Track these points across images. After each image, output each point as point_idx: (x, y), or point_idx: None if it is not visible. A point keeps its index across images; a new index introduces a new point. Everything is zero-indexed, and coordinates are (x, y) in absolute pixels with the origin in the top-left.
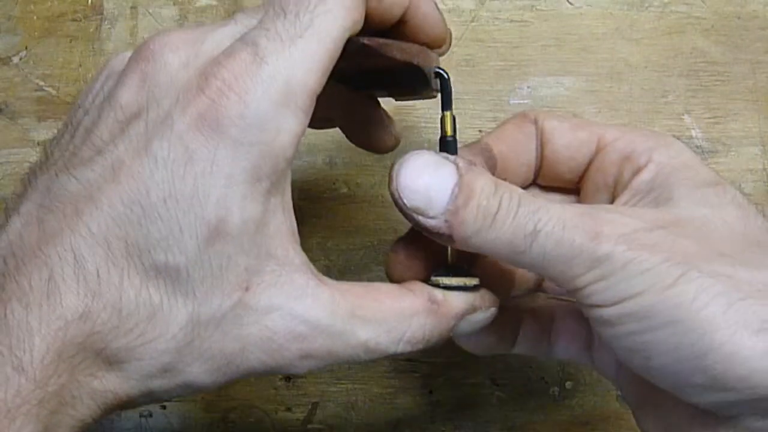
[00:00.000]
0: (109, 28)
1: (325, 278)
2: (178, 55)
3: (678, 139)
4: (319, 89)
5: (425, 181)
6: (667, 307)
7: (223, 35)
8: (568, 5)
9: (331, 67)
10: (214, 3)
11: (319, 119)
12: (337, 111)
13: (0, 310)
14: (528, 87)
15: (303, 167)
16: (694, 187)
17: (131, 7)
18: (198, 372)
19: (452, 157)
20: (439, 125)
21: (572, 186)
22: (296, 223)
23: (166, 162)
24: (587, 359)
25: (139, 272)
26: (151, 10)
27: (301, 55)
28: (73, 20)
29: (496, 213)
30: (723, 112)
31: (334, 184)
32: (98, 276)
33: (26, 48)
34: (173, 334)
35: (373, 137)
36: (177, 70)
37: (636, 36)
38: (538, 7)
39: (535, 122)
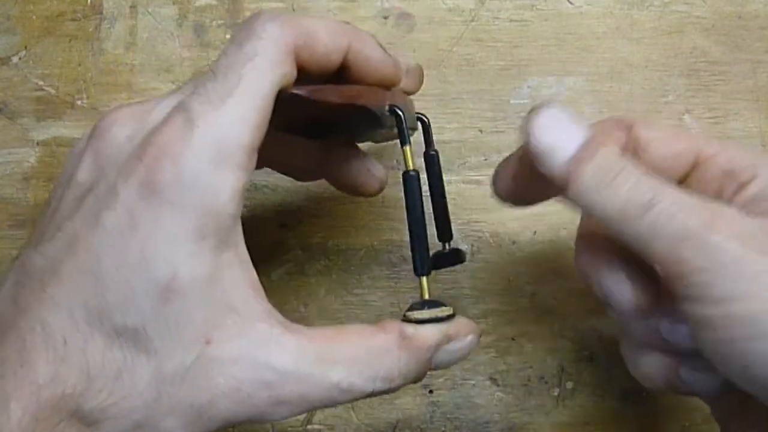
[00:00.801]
0: (109, 28)
1: (293, 324)
2: (124, 129)
3: None
4: (255, 144)
5: (559, 126)
6: None
7: (168, 105)
8: (569, 5)
9: (265, 122)
10: (214, 2)
11: (300, 172)
12: (313, 161)
13: None
14: (528, 86)
15: None
16: None
17: (131, 7)
18: (172, 426)
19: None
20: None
21: None
22: (294, 232)
23: (114, 230)
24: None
25: (102, 335)
26: (150, 10)
27: (230, 114)
28: (73, 20)
29: (617, 175)
30: (723, 111)
31: None
32: (65, 342)
33: (25, 48)
34: (140, 391)
35: (357, 182)
36: (123, 144)
37: (636, 35)
38: (538, 7)
39: (629, 129)
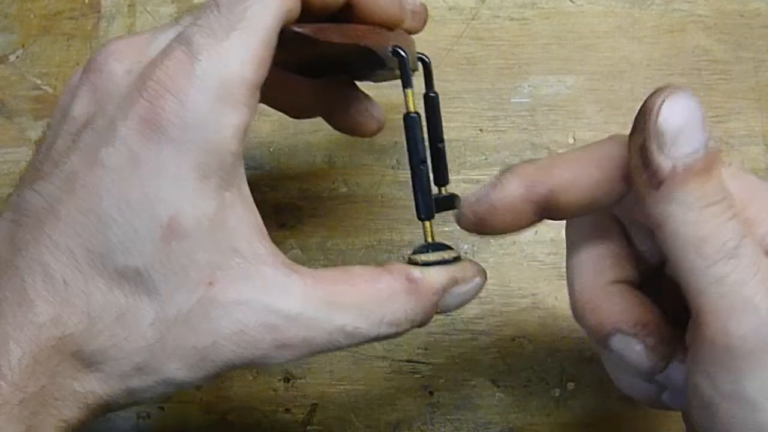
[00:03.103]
0: (107, 26)
1: (298, 266)
2: (122, 62)
3: None
4: (258, 80)
5: (689, 118)
6: None
7: (167, 37)
8: (570, 3)
9: (268, 58)
10: None
11: (294, 109)
12: (311, 99)
13: None
14: (529, 86)
15: (302, 167)
16: None
17: (129, 5)
18: (174, 369)
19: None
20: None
21: None
22: (294, 232)
23: (114, 168)
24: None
25: (103, 276)
26: (148, 8)
27: (234, 48)
28: (71, 18)
29: (716, 203)
30: (725, 110)
31: (333, 183)
32: (65, 283)
33: (23, 46)
34: (142, 333)
35: (355, 121)
36: (121, 77)
37: (638, 34)
38: (539, 5)
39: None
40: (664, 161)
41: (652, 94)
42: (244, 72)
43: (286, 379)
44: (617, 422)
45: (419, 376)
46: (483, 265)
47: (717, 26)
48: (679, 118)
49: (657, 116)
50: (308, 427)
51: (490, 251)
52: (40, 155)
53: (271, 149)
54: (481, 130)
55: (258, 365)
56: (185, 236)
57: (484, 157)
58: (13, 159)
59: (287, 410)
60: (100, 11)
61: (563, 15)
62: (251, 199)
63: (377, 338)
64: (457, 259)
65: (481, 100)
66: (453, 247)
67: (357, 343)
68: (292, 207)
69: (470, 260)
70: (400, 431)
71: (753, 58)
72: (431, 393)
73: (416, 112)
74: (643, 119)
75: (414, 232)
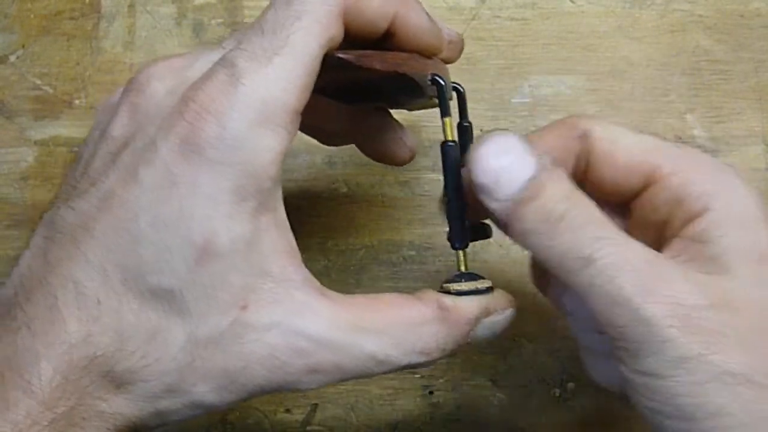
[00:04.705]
0: (107, 26)
1: (329, 292)
2: (164, 83)
3: (680, 138)
4: (300, 106)
5: (501, 163)
6: (691, 403)
7: (209, 60)
8: (570, 3)
9: (311, 84)
10: (213, 1)
11: (329, 135)
12: (344, 125)
13: (11, 338)
14: (529, 86)
15: (302, 167)
16: (750, 260)
17: (129, 5)
18: (203, 391)
19: (539, 152)
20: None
21: (620, 206)
22: (294, 232)
23: (152, 187)
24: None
25: (136, 296)
26: (149, 8)
27: (277, 73)
28: (71, 18)
29: (559, 222)
30: (726, 111)
31: (333, 183)
32: (98, 301)
33: (23, 46)
34: (173, 354)
35: (387, 150)
36: (163, 98)
37: (638, 34)
38: (539, 5)
39: (583, 138)
40: (494, 205)
41: (471, 148)
42: (286, 97)
43: None
44: (617, 422)
45: (419, 376)
46: (483, 265)
47: (717, 26)
48: (492, 172)
49: (475, 173)
50: (308, 427)
51: (490, 251)
52: (77, 173)
53: None
54: (481, 130)
55: (288, 390)
56: (219, 258)
57: None
58: (13, 159)
59: (287, 410)
60: (100, 11)
61: (563, 15)
62: (287, 223)
63: (408, 366)
64: (489, 290)
65: (481, 100)
66: (485, 277)
67: (388, 370)
68: (292, 207)
69: (502, 291)
70: (400, 431)
71: (753, 58)
72: (431, 393)
73: (454, 141)
74: (467, 176)
75: (414, 233)
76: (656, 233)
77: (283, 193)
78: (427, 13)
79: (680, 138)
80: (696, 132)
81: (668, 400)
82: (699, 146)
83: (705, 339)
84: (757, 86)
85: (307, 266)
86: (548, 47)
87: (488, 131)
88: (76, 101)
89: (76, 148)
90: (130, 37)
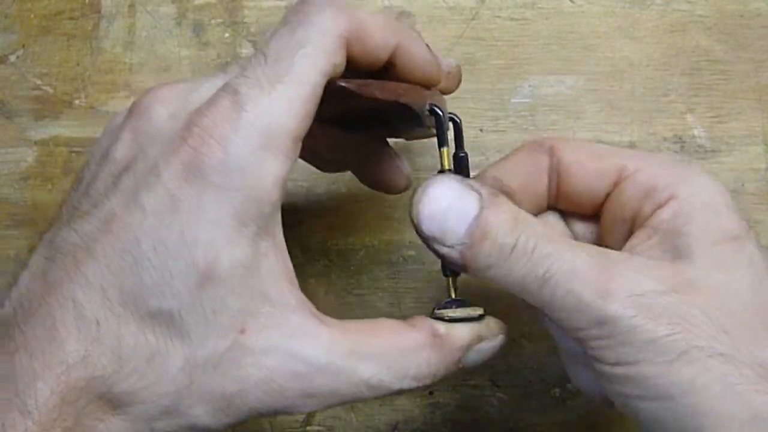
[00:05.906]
0: (107, 27)
1: (325, 317)
2: (167, 107)
3: (680, 138)
4: (301, 133)
5: (444, 210)
6: (664, 382)
7: (213, 85)
8: (570, 3)
9: (312, 111)
10: (213, 1)
11: (327, 162)
12: (342, 153)
13: (8, 358)
14: (529, 86)
15: (303, 167)
16: (712, 243)
17: (129, 5)
18: (200, 414)
19: (477, 185)
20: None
21: (592, 213)
22: (294, 232)
23: (154, 211)
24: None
25: (136, 318)
26: (149, 8)
27: (280, 99)
28: (71, 18)
29: (511, 252)
30: (725, 110)
31: (333, 183)
32: (97, 323)
33: (23, 46)
34: (172, 376)
35: (384, 177)
36: (165, 122)
37: (638, 34)
38: (539, 5)
39: (551, 152)
40: (445, 251)
41: (409, 203)
42: (288, 124)
43: None
44: (617, 422)
45: None
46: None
47: (717, 26)
48: (436, 220)
49: (420, 226)
50: (308, 427)
51: None
52: (78, 194)
53: None
54: (481, 130)
55: (283, 413)
56: (220, 282)
57: (484, 158)
58: (13, 159)
59: None
60: (100, 11)
61: (563, 15)
62: (284, 247)
63: (400, 392)
64: (481, 317)
65: (481, 100)
66: (476, 304)
67: (381, 395)
68: (292, 207)
69: (493, 318)
70: (400, 431)
71: (753, 58)
72: (431, 393)
73: (450, 170)
74: (415, 230)
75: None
76: (627, 230)
77: (283, 193)
78: (427, 45)
79: (680, 138)
80: (696, 132)
81: (643, 383)
82: (699, 146)
83: (669, 321)
84: (757, 86)
85: (307, 266)
86: (548, 47)
87: (432, 174)
88: (76, 101)
89: (76, 148)
90: (130, 37)
